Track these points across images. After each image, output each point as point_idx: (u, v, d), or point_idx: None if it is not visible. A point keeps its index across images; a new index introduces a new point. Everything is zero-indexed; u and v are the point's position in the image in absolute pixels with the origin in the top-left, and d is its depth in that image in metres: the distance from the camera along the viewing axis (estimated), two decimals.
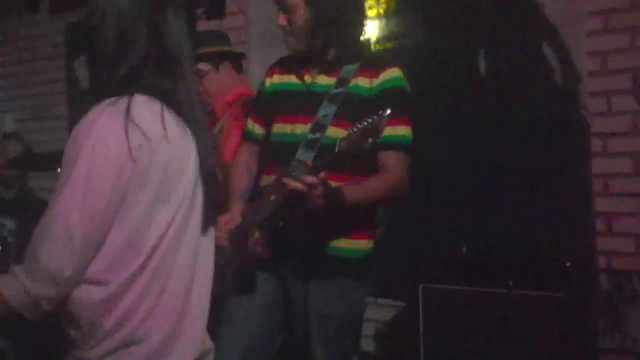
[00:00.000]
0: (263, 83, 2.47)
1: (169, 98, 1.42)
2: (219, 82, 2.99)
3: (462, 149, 3.21)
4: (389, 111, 1.97)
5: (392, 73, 2.26)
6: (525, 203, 3.04)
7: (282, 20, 2.30)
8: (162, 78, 1.44)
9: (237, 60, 3.09)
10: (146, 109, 1.38)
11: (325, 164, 2.06)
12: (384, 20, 3.45)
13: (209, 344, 1.53)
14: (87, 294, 1.34)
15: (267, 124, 2.41)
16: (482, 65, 3.20)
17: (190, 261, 1.45)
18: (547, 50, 3.04)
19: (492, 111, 3.16)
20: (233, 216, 2.35)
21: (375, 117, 1.96)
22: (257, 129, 2.47)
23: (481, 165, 3.15)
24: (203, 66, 2.96)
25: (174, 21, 1.48)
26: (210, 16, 3.99)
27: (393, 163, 2.23)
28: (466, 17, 3.23)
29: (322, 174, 2.06)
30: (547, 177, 3.02)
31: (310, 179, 2.02)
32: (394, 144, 2.23)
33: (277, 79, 2.40)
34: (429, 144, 3.13)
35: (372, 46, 3.37)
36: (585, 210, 2.94)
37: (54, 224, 1.30)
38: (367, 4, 3.36)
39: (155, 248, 1.37)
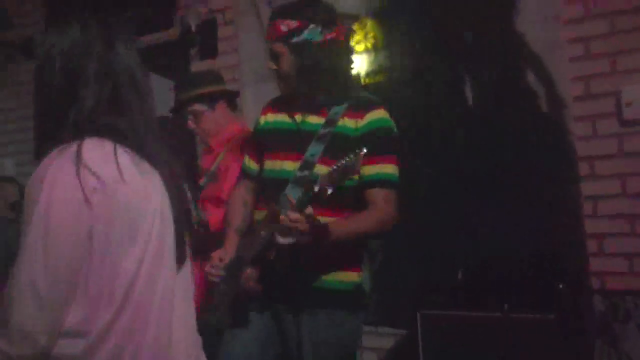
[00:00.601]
0: (258, 121, 2.54)
1: (124, 137, 1.37)
2: (215, 121, 3.06)
3: (452, 175, 3.26)
4: (365, 150, 2.04)
5: (377, 114, 2.33)
6: (517, 227, 3.09)
7: (271, 65, 2.39)
8: (117, 117, 1.38)
9: (231, 99, 3.17)
10: (98, 152, 1.33)
11: (307, 201, 2.11)
12: (372, 54, 3.52)
13: None
14: (69, 349, 1.30)
15: (261, 161, 2.47)
16: (468, 95, 3.26)
17: (168, 298, 1.40)
18: (531, 78, 3.10)
19: (480, 139, 3.21)
20: (227, 250, 2.41)
21: (352, 155, 2.03)
22: (253, 165, 2.53)
23: (472, 191, 3.20)
24: (199, 107, 3.03)
25: (127, 55, 1.44)
26: (203, 56, 4.08)
27: (380, 199, 2.28)
28: (451, 48, 3.30)
29: (309, 210, 2.11)
30: (537, 201, 3.06)
31: (294, 215, 2.07)
32: (381, 181, 2.29)
33: (270, 117, 2.48)
34: (419, 172, 3.24)
35: (362, 80, 3.48)
36: (577, 233, 2.98)
37: (19, 282, 1.26)
38: (355, 39, 3.50)
39: (129, 289, 1.32)
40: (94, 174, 1.30)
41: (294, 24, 2.30)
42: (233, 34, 4.04)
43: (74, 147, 1.31)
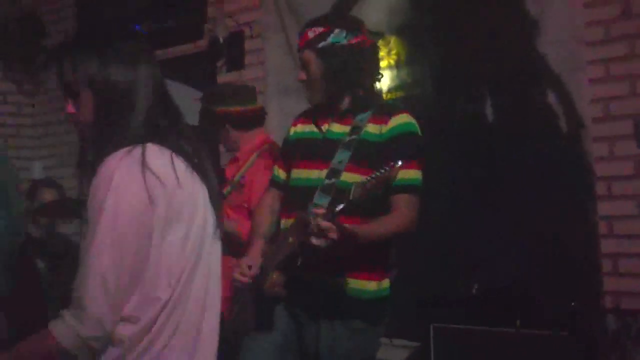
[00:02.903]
0: (288, 132, 2.64)
1: (176, 148, 1.52)
2: (242, 136, 3.14)
3: (472, 191, 3.30)
4: (400, 163, 2.09)
5: (401, 119, 2.39)
6: (533, 244, 3.13)
7: (301, 75, 2.46)
8: (170, 134, 1.54)
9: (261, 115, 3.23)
10: (159, 158, 1.47)
11: (340, 210, 2.16)
12: (394, 71, 3.62)
13: None
14: (120, 331, 1.45)
15: (289, 170, 2.55)
16: (488, 113, 3.33)
17: (202, 294, 1.55)
18: (552, 98, 3.17)
19: (500, 157, 3.27)
20: (254, 257, 2.46)
21: (387, 168, 2.08)
22: (282, 175, 2.60)
23: (491, 208, 3.25)
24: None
25: (155, 68, 1.59)
26: (230, 67, 4.18)
27: (404, 204, 2.34)
28: (473, 66, 3.37)
29: (339, 219, 2.17)
30: (554, 220, 3.10)
31: (325, 224, 2.12)
32: (404, 187, 2.33)
33: (299, 128, 2.57)
34: (439, 187, 3.21)
35: (384, 95, 3.56)
36: (592, 252, 3.03)
37: (89, 272, 1.41)
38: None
39: (177, 283, 1.48)
40: (157, 177, 1.44)
41: (319, 29, 2.40)
42: (260, 47, 4.14)
43: (138, 150, 1.45)
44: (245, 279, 2.40)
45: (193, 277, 1.52)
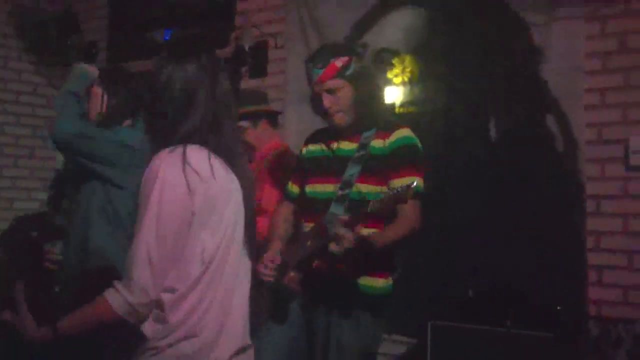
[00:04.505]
0: (301, 151, 2.81)
1: (215, 148, 1.69)
2: (257, 137, 3.30)
3: (474, 202, 3.48)
4: (415, 183, 2.28)
5: (402, 133, 2.56)
6: (526, 254, 3.33)
7: (327, 102, 2.57)
8: (213, 134, 1.70)
9: (273, 117, 3.40)
10: (198, 155, 1.66)
11: (359, 220, 2.36)
12: (408, 87, 3.79)
13: (248, 341, 1.80)
14: (162, 299, 1.63)
15: (303, 185, 2.73)
16: (492, 129, 3.51)
17: (232, 276, 1.72)
18: (550, 120, 3.38)
19: (499, 172, 3.46)
20: (274, 253, 2.62)
21: (404, 187, 2.27)
22: (295, 190, 2.78)
23: (490, 218, 3.44)
24: (243, 124, 3.26)
25: (224, 85, 1.75)
26: (253, 74, 4.34)
27: (409, 209, 2.48)
28: (481, 86, 3.53)
29: (357, 228, 2.34)
30: (546, 232, 3.30)
31: (344, 231, 2.31)
32: None
33: (311, 147, 2.75)
34: (445, 196, 3.47)
35: (397, 110, 3.74)
36: (579, 263, 3.23)
37: (138, 249, 1.59)
38: (393, 72, 3.78)
39: (208, 265, 1.65)
40: (195, 171, 1.63)
41: (344, 59, 2.56)
42: (282, 57, 4.29)
43: (180, 148, 1.65)
44: (269, 272, 2.53)
45: (226, 260, 1.68)
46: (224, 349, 1.70)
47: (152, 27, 4.76)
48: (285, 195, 2.83)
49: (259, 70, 4.30)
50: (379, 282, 2.55)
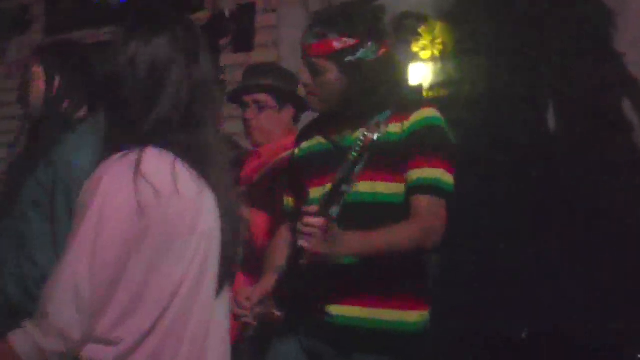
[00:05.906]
0: (292, 153, 2.57)
1: (185, 152, 1.50)
2: (276, 123, 2.87)
3: (525, 212, 3.14)
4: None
5: (424, 113, 2.27)
6: (596, 279, 2.94)
7: (307, 78, 2.34)
8: (186, 131, 1.51)
9: (300, 109, 2.98)
10: (157, 163, 1.46)
11: (339, 215, 2.07)
12: (438, 64, 3.50)
13: None
14: (98, 355, 1.42)
15: (300, 192, 2.47)
16: (550, 119, 3.23)
17: (204, 323, 1.52)
18: (627, 105, 3.04)
19: (560, 173, 3.12)
20: (262, 286, 2.36)
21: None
22: (291, 202, 2.54)
23: (547, 234, 3.09)
24: (265, 98, 2.82)
25: (206, 66, 1.56)
26: (237, 47, 3.99)
27: (422, 208, 2.17)
28: (535, 61, 3.25)
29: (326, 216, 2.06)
30: (622, 254, 2.91)
31: (310, 220, 2.06)
32: (424, 187, 2.18)
33: (305, 144, 2.49)
34: (483, 207, 3.11)
35: (425, 93, 3.43)
36: None
37: (62, 279, 1.39)
38: (420, 44, 3.47)
39: (167, 307, 1.45)
40: (150, 184, 1.42)
41: (349, 41, 2.25)
42: (273, 24, 3.95)
43: (134, 155, 1.44)
44: (242, 312, 2.29)
45: (194, 299, 1.50)
46: None
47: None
48: (284, 214, 2.58)
49: (244, 42, 3.98)
50: (412, 316, 2.23)
